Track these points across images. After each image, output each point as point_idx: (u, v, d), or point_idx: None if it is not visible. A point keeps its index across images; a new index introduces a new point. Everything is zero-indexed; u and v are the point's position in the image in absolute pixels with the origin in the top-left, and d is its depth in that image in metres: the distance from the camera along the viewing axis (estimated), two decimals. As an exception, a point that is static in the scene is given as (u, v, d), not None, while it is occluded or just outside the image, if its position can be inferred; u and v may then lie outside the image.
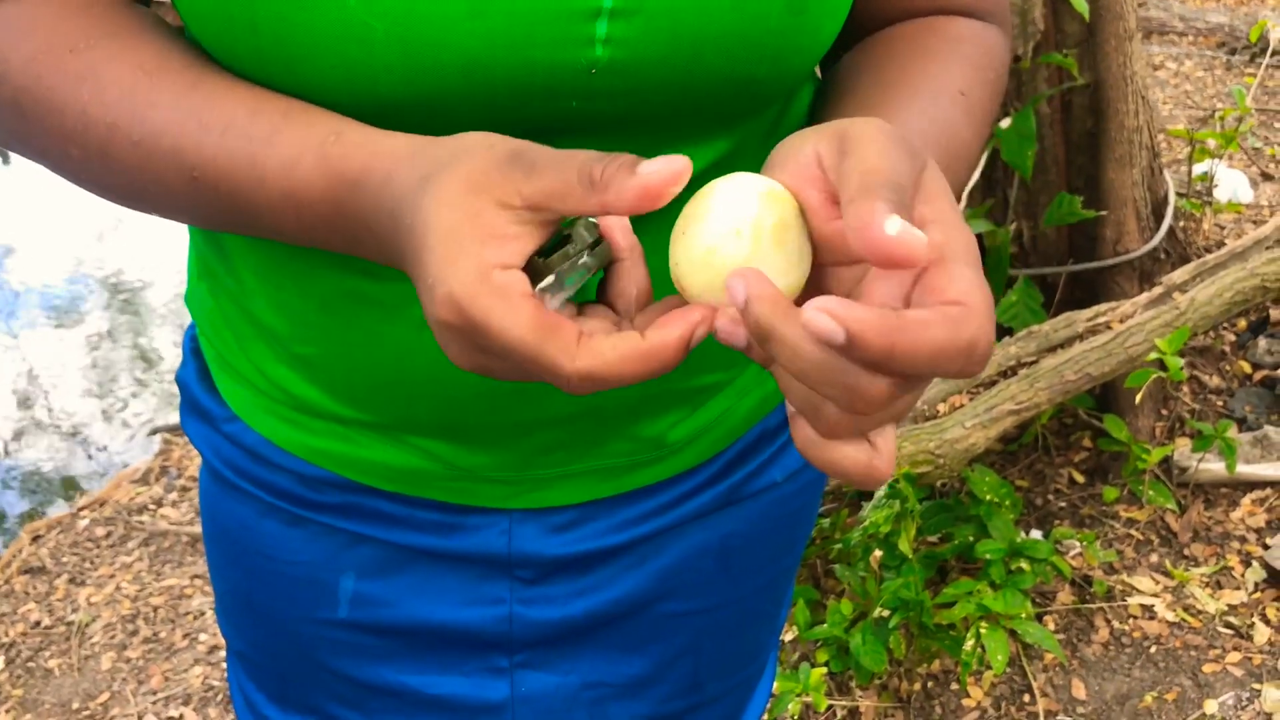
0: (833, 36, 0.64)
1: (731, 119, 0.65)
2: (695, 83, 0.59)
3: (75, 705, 2.42)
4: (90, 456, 3.53)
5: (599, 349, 0.48)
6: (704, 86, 0.60)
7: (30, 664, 2.55)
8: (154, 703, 2.39)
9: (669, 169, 0.46)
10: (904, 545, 1.98)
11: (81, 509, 3.07)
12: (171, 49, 0.60)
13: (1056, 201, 2.37)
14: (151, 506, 3.04)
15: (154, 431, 3.44)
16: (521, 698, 0.83)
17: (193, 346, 0.81)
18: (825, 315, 0.41)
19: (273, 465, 0.77)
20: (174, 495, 3.09)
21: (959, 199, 0.66)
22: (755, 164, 0.68)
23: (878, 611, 1.99)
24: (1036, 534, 2.26)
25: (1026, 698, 2.05)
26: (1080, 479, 2.41)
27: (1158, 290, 2.20)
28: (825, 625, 2.05)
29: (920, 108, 0.64)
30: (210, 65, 0.60)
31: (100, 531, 2.96)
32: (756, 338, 0.45)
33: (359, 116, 0.57)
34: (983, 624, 1.92)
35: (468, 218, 0.48)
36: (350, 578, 0.79)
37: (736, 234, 0.48)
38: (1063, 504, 2.37)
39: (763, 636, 0.93)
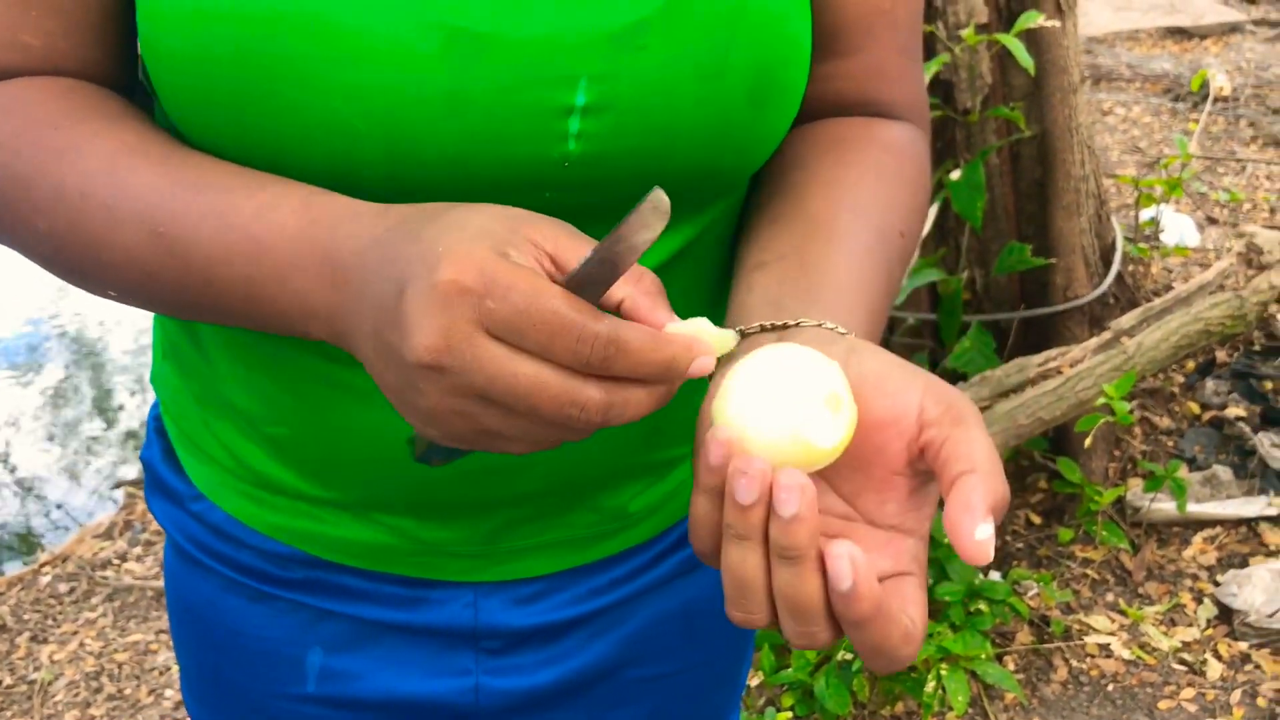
0: (788, 126, 0.67)
1: (698, 205, 0.68)
2: (664, 172, 0.62)
3: (38, 765, 2.40)
4: (49, 513, 3.51)
5: (622, 322, 0.51)
6: (672, 176, 0.62)
7: (-8, 724, 2.52)
8: (118, 761, 2.38)
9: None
10: (865, 589, 2.01)
11: (43, 565, 3.05)
12: (153, 130, 0.62)
13: (1007, 250, 2.43)
14: (115, 561, 3.02)
15: (117, 485, 3.43)
16: None
17: (157, 426, 0.82)
18: (846, 561, 0.47)
19: (238, 542, 0.78)
20: (138, 549, 3.08)
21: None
22: (719, 246, 0.72)
23: (841, 655, 2.02)
24: (995, 575, 2.30)
25: (988, 738, 2.08)
26: (1037, 520, 2.46)
27: (1106, 335, 2.26)
28: (790, 670, 2.07)
29: (868, 262, 0.66)
30: (192, 146, 0.62)
31: (63, 588, 2.94)
32: (778, 550, 0.49)
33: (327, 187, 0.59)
34: (943, 665, 1.95)
35: (501, 222, 0.52)
36: (317, 653, 0.80)
37: (829, 405, 0.51)
38: (1020, 545, 2.42)
39: (726, 694, 0.94)
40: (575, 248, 0.53)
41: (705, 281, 0.73)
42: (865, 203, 0.68)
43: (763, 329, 0.59)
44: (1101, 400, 2.04)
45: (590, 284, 0.51)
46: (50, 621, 2.84)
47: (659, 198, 0.49)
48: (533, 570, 0.78)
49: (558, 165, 0.60)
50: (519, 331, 0.49)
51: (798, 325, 0.58)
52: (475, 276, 0.48)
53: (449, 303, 0.48)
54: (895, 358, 0.55)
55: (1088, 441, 2.11)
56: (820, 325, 0.59)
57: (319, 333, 0.56)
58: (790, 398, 0.51)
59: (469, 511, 0.74)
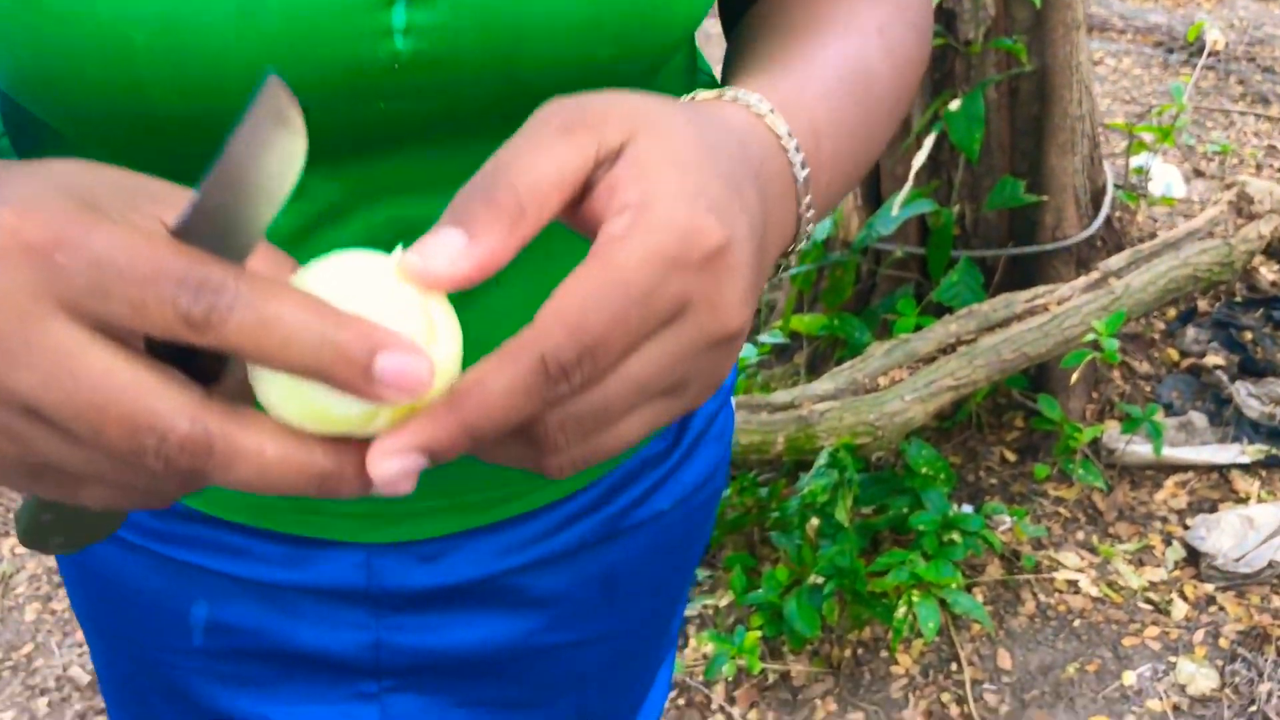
0: (697, 6, 0.56)
1: None
2: (520, 73, 0.51)
3: (-3, 655, 2.38)
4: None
5: (264, 278, 0.36)
6: (532, 78, 0.52)
7: (-49, 613, 2.50)
8: (79, 655, 2.36)
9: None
10: (841, 514, 2.02)
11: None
12: None
13: (1000, 185, 2.41)
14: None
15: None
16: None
17: None
18: (394, 459, 0.38)
19: None
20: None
21: (883, 142, 0.61)
22: None
23: (812, 578, 2.03)
24: (968, 509, 2.31)
25: (954, 666, 2.10)
26: (1011, 457, 2.47)
27: (1095, 275, 2.25)
28: (760, 591, 2.08)
29: (834, 47, 0.57)
30: None
31: (26, 481, 2.90)
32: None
33: (134, 136, 0.50)
34: (915, 592, 1.96)
35: (112, 179, 0.39)
36: (202, 606, 0.73)
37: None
38: (994, 481, 2.43)
39: (652, 661, 0.88)
40: None
41: None
42: (869, 14, 0.60)
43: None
44: (1089, 337, 2.03)
45: (203, 233, 0.36)
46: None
47: (273, 92, 0.35)
48: (431, 531, 0.71)
49: (386, 69, 0.50)
50: (102, 292, 0.34)
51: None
52: (41, 228, 0.35)
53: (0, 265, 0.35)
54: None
55: (1074, 377, 2.12)
56: (726, 96, 0.49)
57: None
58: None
59: None
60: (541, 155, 0.40)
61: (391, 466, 0.37)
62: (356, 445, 0.38)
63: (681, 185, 0.41)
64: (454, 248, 0.38)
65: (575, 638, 0.78)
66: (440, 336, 0.38)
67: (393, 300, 0.37)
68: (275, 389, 0.37)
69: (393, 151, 0.54)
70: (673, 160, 0.42)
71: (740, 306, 0.42)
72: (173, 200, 0.39)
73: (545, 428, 0.40)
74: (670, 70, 0.63)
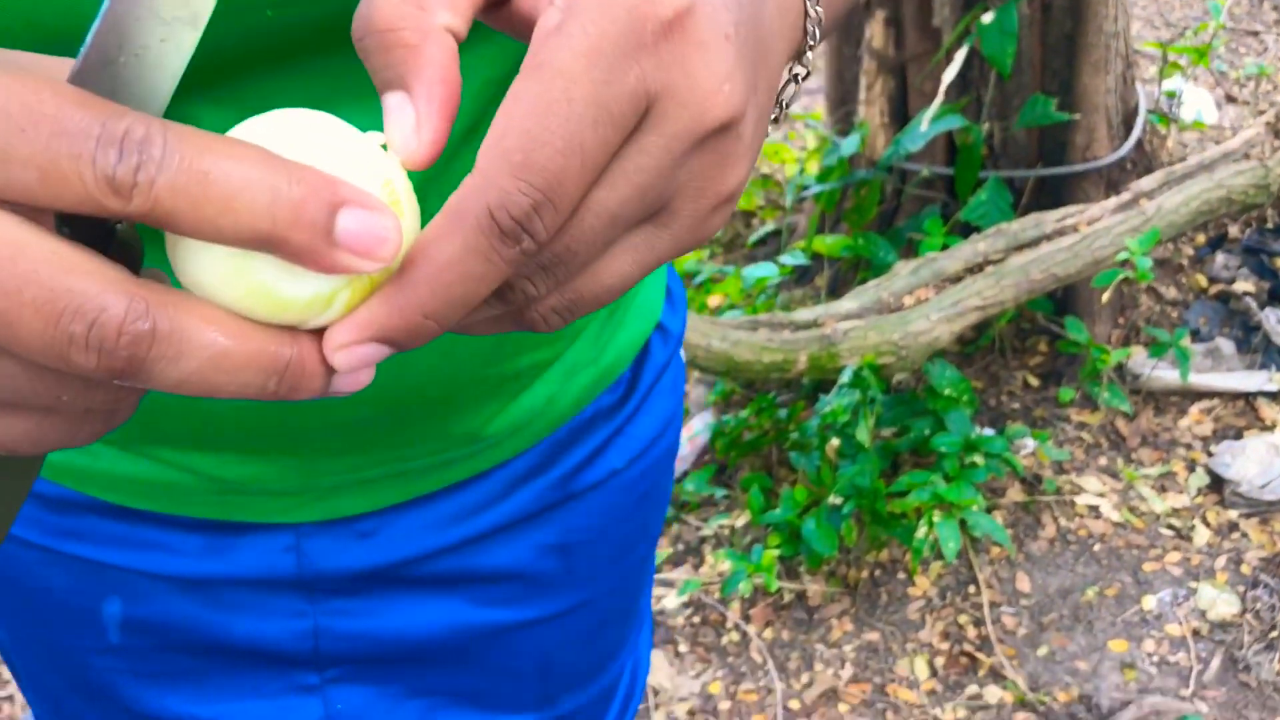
0: None
1: None
2: None
3: None
4: None
5: (185, 126, 0.30)
6: None
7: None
8: None
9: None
10: (862, 435, 1.99)
11: None
12: None
13: (1031, 103, 2.35)
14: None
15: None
16: (338, 717, 0.70)
17: None
18: (352, 351, 0.32)
19: None
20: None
21: None
22: None
23: (831, 498, 2.01)
24: (989, 432, 2.28)
25: (971, 589, 2.09)
26: (1034, 382, 2.44)
27: (1126, 196, 2.20)
28: (778, 511, 2.06)
29: None
30: None
31: None
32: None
33: None
34: (935, 513, 1.94)
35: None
36: (115, 603, 0.66)
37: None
38: (1016, 406, 2.40)
39: (622, 634, 0.80)
40: None
41: None
42: None
43: None
44: (1120, 257, 1.99)
45: (109, 78, 0.30)
46: None
47: None
48: (364, 505, 0.64)
49: None
50: (1, 157, 0.28)
51: None
52: None
53: None
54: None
55: (1104, 297, 2.07)
56: None
57: None
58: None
59: (276, 445, 0.59)
60: None
61: (350, 357, 0.32)
62: (312, 333, 0.32)
63: None
64: (409, 122, 0.32)
65: (533, 615, 0.71)
66: (404, 204, 0.32)
67: (348, 154, 0.31)
68: (209, 268, 0.30)
69: (286, 67, 0.48)
70: None
71: (720, 88, 0.33)
72: (52, 70, 0.32)
73: (512, 282, 0.34)
74: None
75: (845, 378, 1.98)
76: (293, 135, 0.31)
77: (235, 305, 0.30)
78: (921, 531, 1.93)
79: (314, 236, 0.29)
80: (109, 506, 0.64)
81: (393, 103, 0.33)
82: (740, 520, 2.23)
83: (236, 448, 0.59)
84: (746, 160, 0.36)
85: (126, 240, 0.33)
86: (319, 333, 0.32)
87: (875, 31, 2.54)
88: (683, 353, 0.80)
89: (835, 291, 2.55)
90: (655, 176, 0.34)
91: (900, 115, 2.54)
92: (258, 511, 0.63)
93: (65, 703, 0.73)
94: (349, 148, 0.31)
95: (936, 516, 1.93)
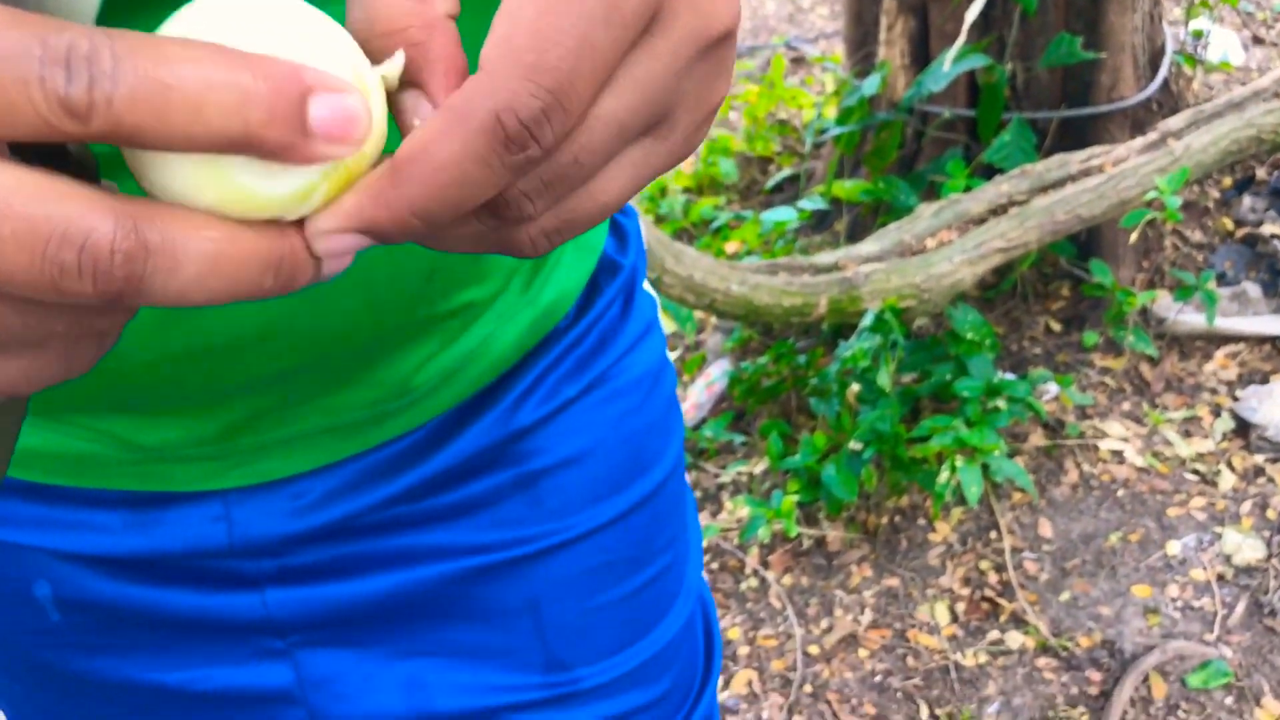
0: None
1: None
2: None
3: None
4: None
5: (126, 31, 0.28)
6: None
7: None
8: None
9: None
10: (883, 380, 1.97)
11: None
12: None
13: (1056, 42, 2.30)
14: None
15: None
16: (311, 682, 0.65)
17: None
18: (333, 238, 0.31)
19: None
20: None
21: None
22: None
23: (852, 444, 1.98)
24: (1010, 377, 2.25)
25: (993, 535, 2.07)
26: (1056, 327, 2.40)
27: (1153, 136, 2.16)
28: (798, 457, 2.04)
29: None
30: None
31: None
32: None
33: None
34: (958, 457, 1.92)
35: None
36: (44, 585, 0.63)
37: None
38: (1038, 350, 2.37)
39: (652, 603, 0.72)
40: None
41: None
42: None
43: None
44: (1150, 196, 1.95)
45: None
46: None
47: None
48: (295, 467, 0.60)
49: None
50: None
51: None
52: None
53: None
54: None
55: (1133, 238, 2.04)
56: None
57: None
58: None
59: (194, 404, 0.55)
60: None
61: (333, 243, 0.30)
62: (296, 224, 0.30)
63: None
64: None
65: (502, 556, 0.66)
66: (372, 91, 0.30)
67: (309, 37, 0.29)
68: (179, 176, 0.28)
69: None
70: None
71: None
72: None
73: (508, 192, 0.32)
74: None
75: (867, 321, 1.95)
76: (246, 18, 0.29)
77: (213, 210, 0.29)
78: (944, 476, 1.91)
79: (289, 130, 0.28)
80: (24, 485, 0.60)
81: (409, 103, 0.32)
82: (759, 467, 2.22)
83: (153, 409, 0.56)
84: (731, 62, 0.36)
85: (80, 158, 0.31)
86: (301, 223, 0.31)
87: (896, -30, 2.48)
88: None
89: (854, 236, 2.51)
90: (663, 84, 0.33)
91: (921, 56, 2.49)
92: (180, 480, 0.59)
93: (15, 687, 0.69)
94: (309, 30, 0.29)
95: (959, 461, 1.91)
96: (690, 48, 0.33)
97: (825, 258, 2.06)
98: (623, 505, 0.70)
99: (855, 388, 2.04)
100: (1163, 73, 2.47)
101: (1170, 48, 2.54)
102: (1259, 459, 2.12)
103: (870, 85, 2.32)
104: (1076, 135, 2.42)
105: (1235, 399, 2.22)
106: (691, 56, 0.33)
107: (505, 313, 0.62)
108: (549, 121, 0.29)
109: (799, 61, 3.73)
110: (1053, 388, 2.21)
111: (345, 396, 0.58)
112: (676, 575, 0.75)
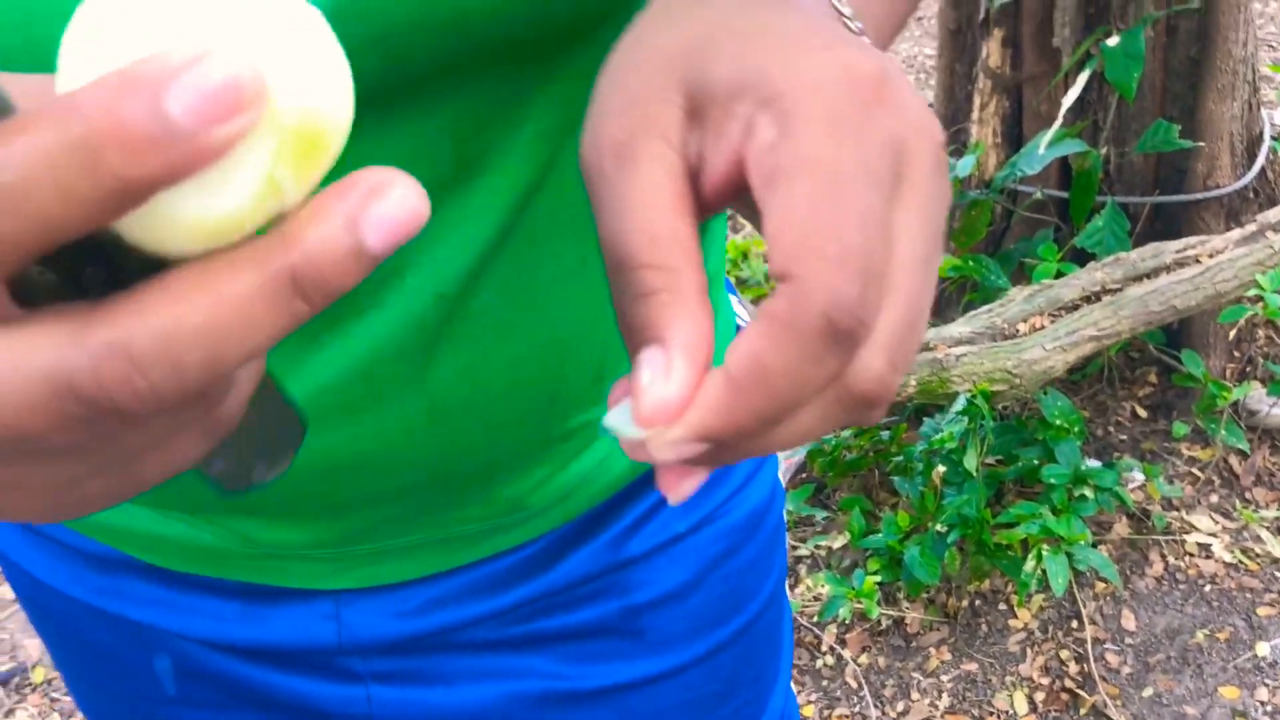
0: None
1: (539, 62, 0.46)
2: (471, 21, 0.42)
3: None
4: None
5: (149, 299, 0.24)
6: (484, 25, 0.43)
7: None
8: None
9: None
10: (970, 463, 1.96)
11: None
12: None
13: (1153, 129, 2.29)
14: None
15: None
16: None
17: None
18: (675, 449, 0.32)
19: (46, 536, 0.65)
20: None
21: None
22: None
23: (936, 526, 1.98)
24: (1094, 463, 2.23)
25: (1074, 624, 2.04)
26: (1143, 413, 2.38)
27: (1251, 228, 2.14)
28: (879, 535, 2.04)
29: None
30: None
31: None
32: None
33: None
34: (1044, 546, 1.90)
35: None
36: (164, 659, 0.65)
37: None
38: (1123, 437, 2.34)
39: (740, 702, 0.73)
40: None
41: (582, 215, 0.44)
42: None
43: None
44: (1252, 292, 1.93)
45: None
46: None
47: None
48: (406, 574, 0.62)
49: None
50: None
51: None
52: None
53: None
54: None
55: (1231, 334, 2.02)
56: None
57: None
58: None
59: (315, 512, 0.57)
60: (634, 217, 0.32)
61: (674, 453, 0.31)
62: (295, 216, 0.24)
63: (790, 44, 0.33)
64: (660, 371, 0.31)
65: (602, 683, 0.67)
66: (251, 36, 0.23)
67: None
68: (136, 233, 0.24)
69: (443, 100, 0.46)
70: (767, 35, 0.33)
71: (926, 111, 0.34)
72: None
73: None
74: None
75: (958, 405, 1.95)
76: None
77: (192, 253, 0.24)
78: (1029, 566, 1.89)
79: (163, 147, 0.21)
80: (148, 567, 0.62)
81: (646, 356, 0.32)
82: (838, 542, 2.21)
83: (275, 514, 0.57)
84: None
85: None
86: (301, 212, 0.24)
87: (991, 50, 2.49)
88: None
89: (939, 311, 2.51)
90: (934, 209, 0.33)
91: (1013, 135, 2.49)
92: (295, 578, 0.61)
93: None
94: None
95: (1045, 550, 1.89)
96: (938, 168, 0.33)
97: (915, 338, 2.06)
98: (715, 642, 0.70)
99: (941, 469, 2.03)
100: (1260, 161, 2.45)
101: (1268, 135, 2.52)
102: (1352, 561, 2.08)
103: (964, 167, 2.33)
104: (1169, 221, 2.41)
105: (1327, 497, 2.18)
106: (934, 173, 0.33)
107: None
108: (869, 301, 0.30)
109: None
110: (1138, 476, 2.19)
111: (460, 512, 0.60)
112: (760, 703, 0.76)
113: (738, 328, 0.74)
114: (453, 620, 0.64)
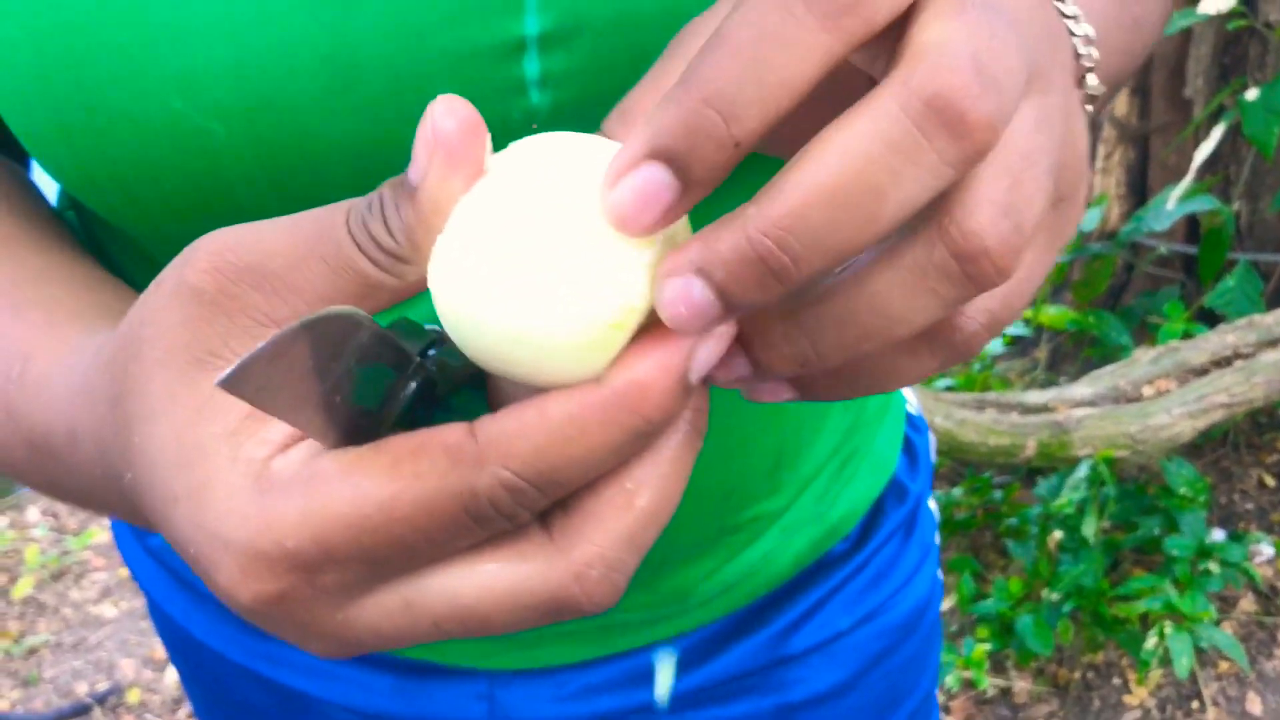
0: None
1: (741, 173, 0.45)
2: None
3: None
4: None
5: (498, 427, 0.28)
6: None
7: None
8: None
9: (452, 112, 0.28)
10: (1088, 530, 1.88)
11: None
12: None
13: (1290, 185, 2.20)
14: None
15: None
16: None
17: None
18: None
19: (205, 596, 0.66)
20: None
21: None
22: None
23: (1050, 594, 1.90)
24: (1219, 534, 2.13)
25: (1195, 704, 1.95)
26: (1271, 482, 2.27)
27: (1396, 293, 2.03)
28: (990, 601, 1.96)
29: None
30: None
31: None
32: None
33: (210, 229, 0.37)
34: (1167, 623, 1.81)
35: (191, 415, 0.30)
36: None
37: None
38: (1249, 506, 2.24)
39: None
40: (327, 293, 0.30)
41: None
42: None
43: None
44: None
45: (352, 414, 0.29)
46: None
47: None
48: (562, 658, 0.61)
49: (521, 130, 0.38)
50: (370, 559, 0.28)
51: None
52: (282, 573, 0.29)
53: (271, 613, 0.30)
54: None
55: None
56: None
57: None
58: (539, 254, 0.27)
59: None
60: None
61: (678, 289, 0.27)
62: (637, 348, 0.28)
63: None
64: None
65: None
66: None
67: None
68: (510, 367, 0.28)
69: None
70: None
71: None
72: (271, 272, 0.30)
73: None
74: None
75: (1081, 471, 1.87)
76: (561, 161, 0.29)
77: (536, 377, 0.28)
78: (1151, 643, 1.80)
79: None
80: None
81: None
82: (946, 604, 2.14)
83: None
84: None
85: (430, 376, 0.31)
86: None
87: (1119, 99, 2.41)
88: (931, 503, 0.73)
89: (1054, 366, 2.43)
90: (1059, 119, 0.30)
91: (1138, 187, 2.41)
92: (453, 655, 0.61)
93: None
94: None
95: (1168, 627, 1.81)
96: (1063, 85, 0.31)
97: (1035, 397, 1.99)
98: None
99: (1057, 535, 1.95)
100: (1402, 222, 2.34)
101: None
102: None
103: (1089, 220, 2.25)
104: (1303, 281, 2.31)
105: None
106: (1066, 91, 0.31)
107: (791, 526, 0.63)
108: (989, 107, 0.25)
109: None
110: (1267, 549, 2.08)
111: (624, 599, 0.58)
112: None
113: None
114: (607, 708, 0.63)
